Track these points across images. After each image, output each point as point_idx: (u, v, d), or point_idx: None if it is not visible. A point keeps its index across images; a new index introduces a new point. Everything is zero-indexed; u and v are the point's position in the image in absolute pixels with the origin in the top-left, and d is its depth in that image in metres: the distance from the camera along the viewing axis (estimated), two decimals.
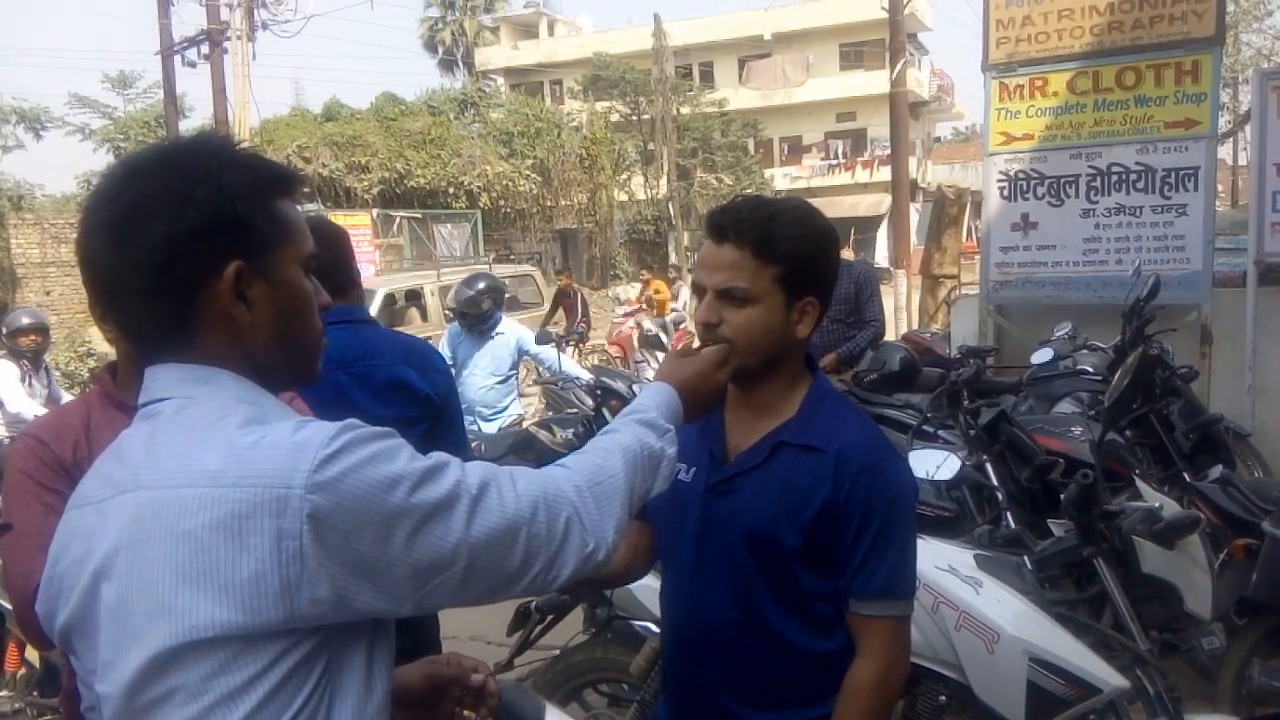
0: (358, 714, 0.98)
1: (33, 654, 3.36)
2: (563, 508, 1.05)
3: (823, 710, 1.56)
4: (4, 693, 3.40)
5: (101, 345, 12.79)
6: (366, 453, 0.93)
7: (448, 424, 2.55)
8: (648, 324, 7.89)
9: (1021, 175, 6.40)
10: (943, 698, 2.34)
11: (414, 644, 1.55)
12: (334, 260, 2.37)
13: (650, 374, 7.17)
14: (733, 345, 1.52)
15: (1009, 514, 3.24)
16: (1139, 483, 2.63)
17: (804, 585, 1.57)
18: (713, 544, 1.61)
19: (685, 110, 32.07)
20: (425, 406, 2.46)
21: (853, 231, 28.20)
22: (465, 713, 1.33)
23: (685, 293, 7.88)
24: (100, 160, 27.76)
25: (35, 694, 3.38)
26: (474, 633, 3.78)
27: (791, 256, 1.54)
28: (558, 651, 3.16)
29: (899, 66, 13.71)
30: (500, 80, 39.13)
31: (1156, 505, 2.41)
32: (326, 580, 0.90)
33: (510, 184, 23.41)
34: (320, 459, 0.90)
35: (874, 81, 30.93)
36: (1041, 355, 5.28)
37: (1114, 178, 6.09)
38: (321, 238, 2.45)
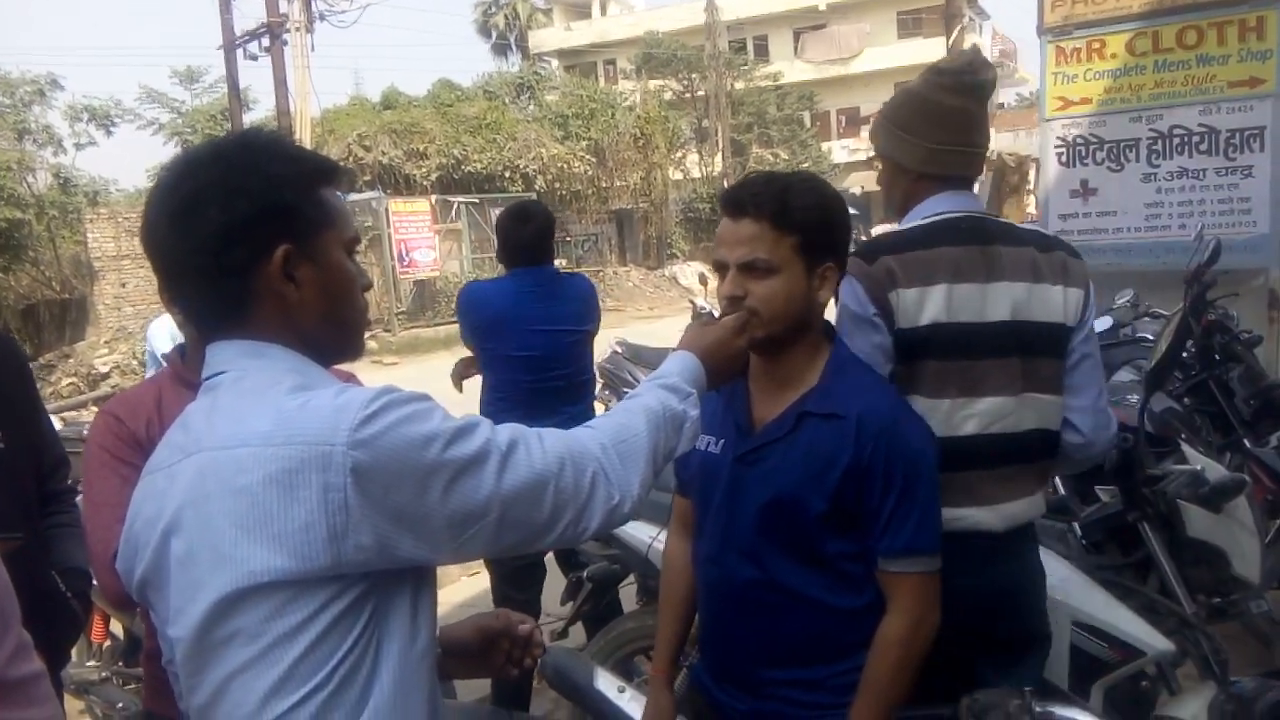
0: (404, 655, 1.07)
1: (116, 626, 3.55)
2: (588, 463, 1.13)
3: (854, 663, 1.61)
4: (91, 662, 3.58)
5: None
6: (402, 413, 1.01)
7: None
8: (700, 302, 7.94)
9: (1080, 140, 6.26)
10: None
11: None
12: (536, 234, 3.36)
13: None
14: (759, 315, 1.58)
15: (1056, 480, 3.22)
16: (1183, 446, 2.61)
17: (829, 548, 1.62)
18: (739, 511, 1.67)
19: (739, 85, 31.75)
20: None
21: None
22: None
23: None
24: (169, 153, 28.42)
25: (120, 664, 3.56)
26: None
27: (807, 225, 1.60)
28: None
29: (956, 32, 13.51)
30: (554, 62, 39.16)
31: (1200, 469, 2.40)
32: (370, 529, 0.99)
33: (565, 166, 23.46)
34: (360, 419, 0.98)
35: (933, 49, 30.11)
36: (1101, 323, 5.19)
37: (1176, 140, 5.93)
38: (527, 217, 3.37)
